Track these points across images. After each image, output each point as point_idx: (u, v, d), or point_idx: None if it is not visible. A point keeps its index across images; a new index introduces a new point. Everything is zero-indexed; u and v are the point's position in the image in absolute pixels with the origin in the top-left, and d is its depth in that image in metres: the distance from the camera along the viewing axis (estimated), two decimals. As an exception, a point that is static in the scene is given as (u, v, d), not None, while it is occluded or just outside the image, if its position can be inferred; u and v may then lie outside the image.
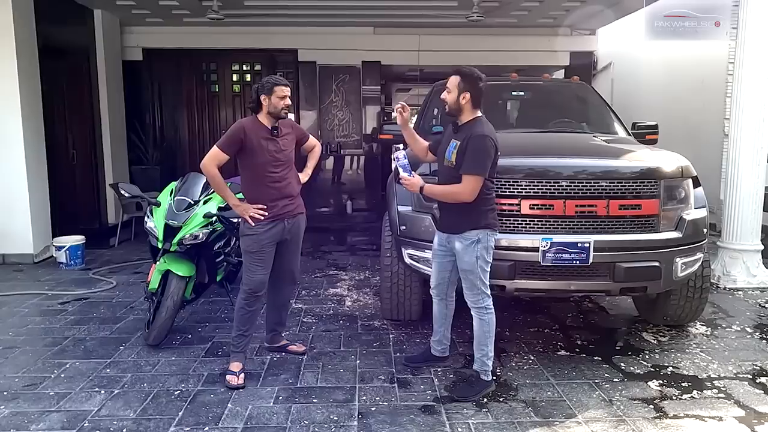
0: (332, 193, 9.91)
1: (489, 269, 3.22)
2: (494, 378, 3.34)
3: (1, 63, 5.98)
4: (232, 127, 3.41)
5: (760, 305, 4.85)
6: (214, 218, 4.02)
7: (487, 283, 3.23)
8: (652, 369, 3.59)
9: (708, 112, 7.61)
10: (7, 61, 5.98)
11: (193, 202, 4.07)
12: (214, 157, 3.36)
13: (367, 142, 9.76)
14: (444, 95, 3.24)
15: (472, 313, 3.27)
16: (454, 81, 3.18)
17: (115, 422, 2.93)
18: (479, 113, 3.22)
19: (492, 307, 3.24)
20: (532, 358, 3.75)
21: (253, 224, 3.37)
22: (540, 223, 3.52)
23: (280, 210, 3.44)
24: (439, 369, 3.54)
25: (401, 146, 3.36)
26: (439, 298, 3.48)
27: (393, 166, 3.25)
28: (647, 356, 3.78)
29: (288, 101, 3.42)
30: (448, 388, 3.30)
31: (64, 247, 6.09)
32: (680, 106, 8.16)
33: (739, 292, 5.19)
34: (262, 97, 3.36)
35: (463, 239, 3.17)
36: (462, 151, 3.11)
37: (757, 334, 4.20)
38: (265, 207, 3.38)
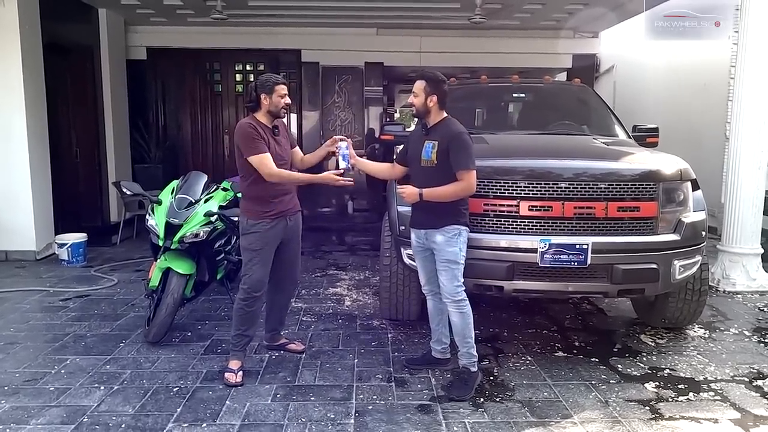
0: (334, 193, 9.93)
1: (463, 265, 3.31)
2: (491, 378, 3.36)
3: (6, 61, 6.03)
4: (243, 131, 3.30)
5: (759, 309, 4.86)
6: (215, 217, 4.05)
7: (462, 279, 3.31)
8: (649, 371, 3.60)
9: (710, 115, 7.61)
10: (12, 58, 6.02)
11: (194, 201, 4.10)
12: (266, 164, 3.27)
13: (369, 142, 9.79)
14: (411, 99, 3.38)
15: (450, 309, 3.30)
16: (419, 85, 3.29)
17: (114, 418, 2.95)
18: (445, 114, 3.34)
19: (467, 298, 3.30)
20: (529, 358, 3.77)
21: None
22: (538, 224, 3.53)
23: (284, 206, 3.45)
24: (436, 369, 3.55)
25: (346, 138, 3.54)
26: (432, 294, 3.50)
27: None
28: (644, 358, 3.79)
29: (288, 99, 3.42)
30: (444, 388, 3.32)
31: (66, 244, 6.13)
32: (682, 109, 8.16)
33: (739, 296, 5.19)
34: (262, 96, 3.35)
35: (445, 232, 3.25)
36: (443, 151, 3.21)
37: (755, 337, 4.20)
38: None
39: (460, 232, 3.25)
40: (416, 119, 3.57)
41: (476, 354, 3.32)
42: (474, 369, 3.30)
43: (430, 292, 3.51)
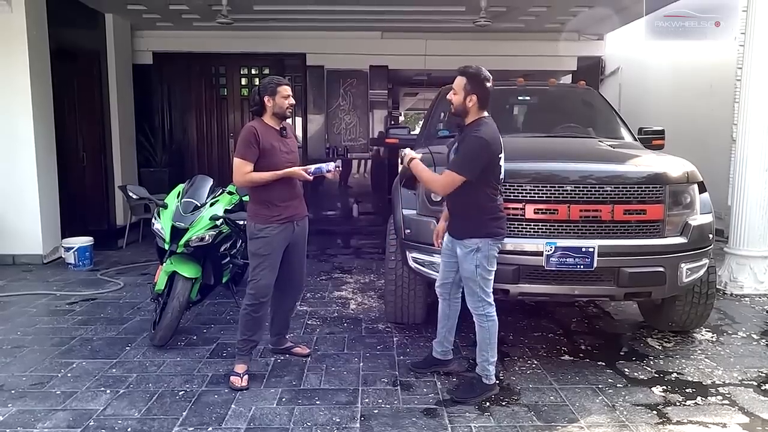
0: (339, 196, 9.95)
1: (491, 278, 3.19)
2: (497, 382, 3.34)
3: (13, 65, 6.07)
4: (244, 133, 3.33)
5: (766, 312, 4.82)
6: (221, 220, 4.06)
7: (489, 291, 3.20)
8: (656, 375, 3.58)
9: (716, 117, 7.58)
10: (19, 63, 6.06)
11: (200, 205, 4.12)
12: (240, 170, 3.28)
13: (374, 145, 9.80)
14: (450, 96, 3.18)
15: (474, 319, 3.27)
16: (460, 83, 3.10)
17: (120, 421, 2.96)
18: (485, 113, 3.17)
19: (494, 315, 3.21)
20: (535, 362, 3.75)
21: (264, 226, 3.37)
22: (544, 227, 3.52)
23: (292, 211, 3.44)
24: (442, 373, 3.54)
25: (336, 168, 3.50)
26: (443, 298, 3.48)
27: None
28: (651, 362, 3.77)
29: (292, 100, 3.42)
30: (450, 391, 3.30)
31: (72, 248, 6.16)
32: (688, 111, 8.13)
33: (746, 299, 5.16)
34: (266, 99, 3.36)
35: (463, 246, 3.17)
36: (456, 150, 3.15)
37: (764, 341, 4.17)
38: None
39: (479, 247, 3.11)
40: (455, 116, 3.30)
41: (492, 370, 3.24)
42: (488, 382, 3.24)
43: (441, 294, 3.49)
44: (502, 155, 3.14)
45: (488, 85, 3.11)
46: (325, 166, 3.41)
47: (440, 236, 3.48)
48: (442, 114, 5.25)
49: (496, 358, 3.27)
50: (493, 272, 3.20)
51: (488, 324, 3.20)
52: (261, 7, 7.74)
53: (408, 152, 3.30)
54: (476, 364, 3.31)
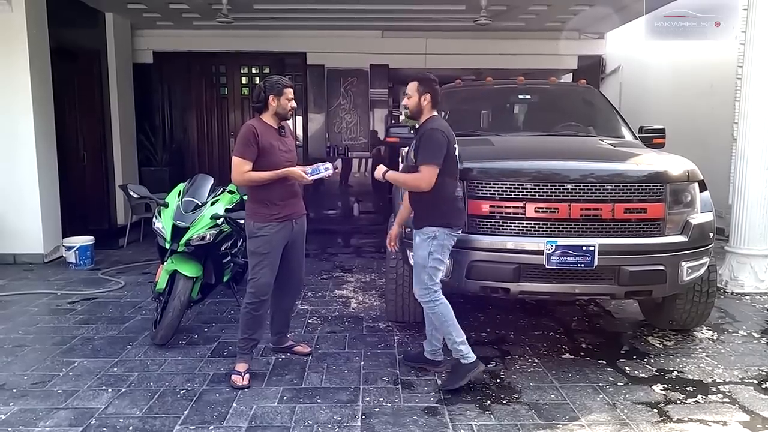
0: (339, 195, 9.95)
1: (442, 268, 3.31)
2: (498, 380, 3.34)
3: (14, 65, 6.07)
4: (243, 131, 3.34)
5: (767, 310, 4.82)
6: (221, 219, 4.06)
7: (437, 280, 3.30)
8: (656, 373, 3.58)
9: (717, 116, 7.57)
10: (20, 62, 6.06)
11: (200, 204, 4.12)
12: (239, 169, 3.29)
13: (374, 144, 9.81)
14: (405, 101, 3.43)
15: (424, 310, 3.39)
16: (413, 86, 3.37)
17: (121, 420, 2.96)
18: (435, 113, 3.38)
19: (441, 298, 3.30)
20: (536, 360, 3.75)
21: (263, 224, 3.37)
22: (545, 225, 3.52)
23: (290, 209, 3.45)
24: (442, 372, 3.54)
25: (335, 167, 3.56)
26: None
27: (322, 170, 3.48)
28: (652, 360, 3.77)
29: (294, 103, 3.46)
30: (441, 386, 3.32)
31: (73, 247, 6.16)
32: (689, 110, 8.12)
33: (747, 297, 5.16)
34: (271, 98, 3.37)
35: (421, 234, 3.30)
36: (417, 149, 3.27)
37: (764, 339, 4.17)
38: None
39: (436, 235, 3.25)
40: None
41: (464, 349, 3.27)
42: (468, 361, 3.27)
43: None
44: (456, 146, 3.30)
45: (437, 86, 3.39)
46: (323, 167, 3.41)
47: (393, 240, 3.71)
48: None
49: (463, 337, 3.29)
50: (444, 264, 3.32)
51: (439, 308, 3.28)
52: (261, 6, 7.74)
53: (379, 168, 3.45)
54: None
